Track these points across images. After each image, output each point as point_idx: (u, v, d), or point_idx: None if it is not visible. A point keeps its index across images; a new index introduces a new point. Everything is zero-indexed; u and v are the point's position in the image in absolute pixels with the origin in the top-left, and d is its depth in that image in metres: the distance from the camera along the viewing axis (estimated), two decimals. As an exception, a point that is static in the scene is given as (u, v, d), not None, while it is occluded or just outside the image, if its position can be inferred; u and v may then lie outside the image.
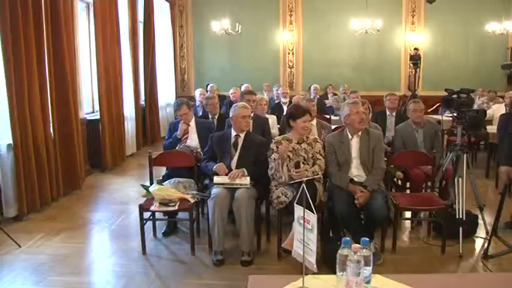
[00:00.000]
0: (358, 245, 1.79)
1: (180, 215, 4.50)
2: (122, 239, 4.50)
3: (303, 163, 3.97)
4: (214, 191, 3.89)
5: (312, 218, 1.83)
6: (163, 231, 4.52)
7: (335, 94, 10.67)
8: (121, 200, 5.80)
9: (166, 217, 4.52)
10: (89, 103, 7.55)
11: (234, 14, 10.84)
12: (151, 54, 9.63)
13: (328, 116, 7.66)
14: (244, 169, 4.00)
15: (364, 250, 1.81)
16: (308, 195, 1.79)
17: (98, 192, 6.20)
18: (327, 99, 10.33)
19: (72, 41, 6.10)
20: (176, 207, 3.97)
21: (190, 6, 12.17)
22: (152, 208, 3.99)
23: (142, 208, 4.01)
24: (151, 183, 4.35)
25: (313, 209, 1.82)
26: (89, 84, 7.53)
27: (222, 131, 4.64)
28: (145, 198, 4.19)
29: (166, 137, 5.15)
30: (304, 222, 1.86)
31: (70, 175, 5.95)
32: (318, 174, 3.95)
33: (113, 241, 4.48)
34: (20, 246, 4.26)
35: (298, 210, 1.92)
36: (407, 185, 4.96)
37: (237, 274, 3.65)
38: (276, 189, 3.94)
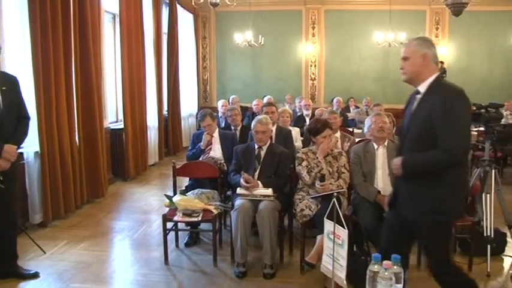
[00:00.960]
0: (389, 262, 1.76)
1: (203, 225, 4.51)
2: (144, 248, 4.51)
3: (328, 177, 3.96)
4: (238, 202, 3.88)
5: (343, 233, 1.81)
6: (185, 242, 4.52)
7: (357, 107, 10.62)
8: (143, 209, 5.83)
9: (189, 227, 4.52)
10: (113, 112, 7.62)
11: (257, 26, 10.87)
12: (174, 65, 9.71)
13: (351, 129, 7.61)
14: (258, 181, 4.00)
15: (395, 267, 1.78)
16: (339, 210, 1.77)
17: (121, 201, 6.24)
18: (349, 112, 10.28)
19: (98, 51, 6.19)
20: (199, 218, 3.97)
21: (213, 18, 12.26)
22: (175, 218, 4.00)
23: (166, 218, 4.02)
24: (175, 194, 4.37)
25: (344, 224, 1.80)
26: (113, 94, 7.61)
27: (246, 143, 4.65)
28: (168, 208, 4.19)
29: (190, 148, 5.18)
30: (334, 237, 1.83)
31: (94, 183, 6.01)
32: (342, 188, 3.93)
33: (135, 250, 4.49)
34: (44, 253, 4.31)
35: (329, 225, 1.90)
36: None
37: (259, 287, 3.63)
38: (300, 202, 3.92)
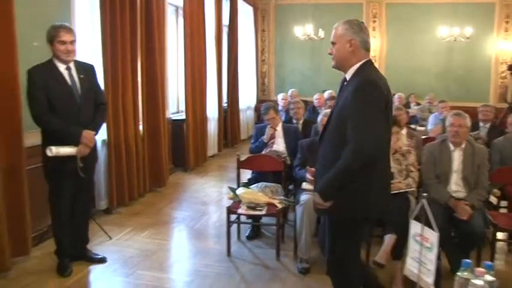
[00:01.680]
0: (482, 269, 1.66)
1: (264, 219, 4.49)
2: (205, 239, 4.55)
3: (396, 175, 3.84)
4: (304, 197, 3.83)
5: (432, 235, 1.72)
6: (247, 235, 4.51)
7: (418, 103, 10.27)
8: (203, 200, 5.88)
9: (251, 220, 4.51)
10: (174, 103, 7.73)
11: (316, 19, 10.72)
12: (234, 57, 9.74)
13: (413, 127, 7.37)
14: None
15: (487, 275, 1.67)
16: (429, 212, 1.68)
17: (181, 191, 6.32)
18: (409, 108, 9.96)
19: (162, 44, 6.30)
20: (264, 212, 3.95)
21: (272, 11, 12.19)
22: (240, 211, 4.00)
23: (230, 210, 4.03)
24: (238, 186, 4.36)
25: (435, 226, 1.71)
26: (175, 85, 7.71)
27: (310, 137, 4.58)
28: (231, 201, 4.19)
29: (253, 141, 5.17)
30: (422, 239, 1.75)
31: (156, 173, 6.12)
32: (411, 188, 3.80)
33: (196, 240, 4.52)
34: (110, 238, 4.43)
35: (416, 227, 1.81)
36: (504, 203, 4.65)
37: (323, 284, 3.55)
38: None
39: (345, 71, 2.56)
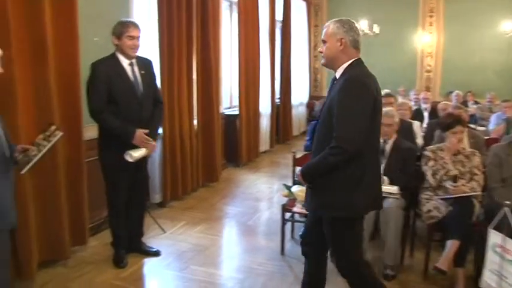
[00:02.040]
0: None
1: (319, 218, 4.39)
2: (258, 236, 4.51)
3: (459, 177, 3.66)
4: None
5: (514, 247, 1.59)
6: (301, 233, 4.42)
7: (476, 102, 9.84)
8: (255, 196, 5.84)
9: (305, 219, 4.42)
10: (227, 98, 7.73)
11: (371, 14, 10.47)
12: (287, 53, 9.65)
13: (473, 126, 7.04)
14: (385, 177, 3.78)
15: None
16: None
17: (233, 186, 6.31)
18: (467, 107, 9.55)
19: (217, 39, 6.30)
20: (319, 211, 3.85)
21: (325, 6, 12.00)
22: (295, 209, 3.93)
23: (285, 208, 3.96)
24: (293, 184, 4.29)
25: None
26: (228, 80, 7.71)
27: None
28: (286, 198, 4.13)
29: (307, 138, 5.09)
30: (503, 251, 1.62)
31: (209, 167, 6.14)
32: (476, 192, 3.60)
33: (249, 237, 4.49)
34: (164, 232, 4.46)
35: (495, 237, 1.68)
36: None
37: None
38: (427, 202, 3.67)
39: (335, 70, 2.57)
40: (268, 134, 8.67)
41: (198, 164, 5.84)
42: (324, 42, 2.56)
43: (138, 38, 3.55)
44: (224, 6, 7.41)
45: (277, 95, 9.41)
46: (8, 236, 2.72)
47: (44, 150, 2.70)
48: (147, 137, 3.55)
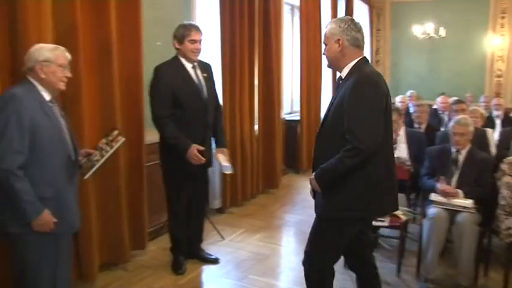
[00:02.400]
0: None
1: (384, 230, 4.17)
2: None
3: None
4: (432, 211, 3.47)
5: None
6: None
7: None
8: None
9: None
10: (288, 103, 7.60)
11: (437, 16, 10.04)
12: (349, 58, 9.40)
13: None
14: (458, 190, 3.52)
15: None
16: None
17: (294, 193, 6.17)
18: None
19: (279, 44, 6.20)
20: (386, 223, 3.65)
21: (388, 9, 11.61)
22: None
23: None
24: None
25: None
26: (289, 85, 7.59)
27: (438, 145, 4.20)
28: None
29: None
30: None
31: (269, 174, 6.04)
32: None
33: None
34: (223, 239, 4.39)
35: None
36: None
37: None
38: (506, 218, 3.37)
39: (340, 71, 2.51)
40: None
41: (258, 170, 5.75)
42: (325, 44, 2.51)
43: (200, 41, 3.49)
44: (286, 10, 7.31)
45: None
46: (71, 239, 2.74)
47: (107, 156, 2.69)
48: (199, 156, 3.41)
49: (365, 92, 2.31)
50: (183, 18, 4.58)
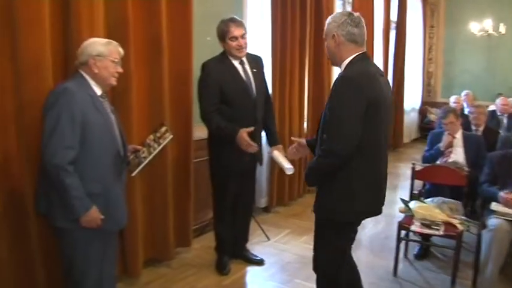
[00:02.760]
0: None
1: (435, 239, 3.96)
2: (368, 252, 4.18)
3: None
4: (494, 222, 3.25)
5: None
6: (416, 253, 4.03)
7: None
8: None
9: (420, 238, 4.02)
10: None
11: (496, 12, 9.54)
12: (401, 56, 9.08)
13: None
14: None
15: None
16: None
17: (341, 194, 5.97)
18: None
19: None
20: (441, 232, 3.44)
21: (443, 5, 11.10)
22: (413, 228, 3.54)
23: (402, 226, 3.60)
24: (411, 198, 3.91)
25: None
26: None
27: (503, 150, 3.95)
28: (403, 214, 3.76)
29: (426, 148, 4.64)
30: None
31: (317, 173, 5.88)
32: None
33: (358, 253, 4.09)
34: (268, 239, 4.30)
35: None
36: None
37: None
38: None
39: (340, 67, 2.44)
40: (379, 140, 8.20)
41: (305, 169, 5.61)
42: (324, 40, 2.46)
43: (242, 36, 3.31)
44: (337, 5, 7.10)
45: (389, 99, 8.90)
46: (117, 235, 2.71)
47: (154, 153, 2.64)
48: (249, 140, 3.28)
49: (342, 93, 2.26)
50: (233, 12, 4.48)
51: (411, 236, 3.93)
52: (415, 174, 4.01)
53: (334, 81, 2.33)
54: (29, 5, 2.50)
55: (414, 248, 4.10)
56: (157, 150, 2.66)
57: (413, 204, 3.67)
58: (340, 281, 2.60)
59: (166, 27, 3.37)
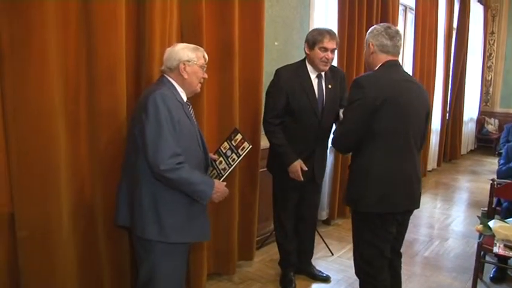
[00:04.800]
0: None
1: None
2: (440, 271, 3.91)
3: None
4: None
5: None
6: (492, 276, 3.77)
7: None
8: (428, 222, 5.23)
9: (497, 260, 3.75)
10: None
11: None
12: (461, 64, 8.71)
13: None
14: None
15: None
16: None
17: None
18: None
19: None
20: (522, 255, 3.18)
21: (505, 10, 10.59)
22: (496, 250, 3.26)
23: (482, 247, 3.35)
24: (489, 216, 3.65)
25: None
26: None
27: None
28: (479, 233, 3.49)
29: (501, 161, 4.38)
30: None
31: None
32: None
33: (428, 271, 3.90)
34: (332, 254, 4.12)
35: None
36: None
37: None
38: None
39: None
40: (437, 151, 7.91)
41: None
42: (364, 48, 2.70)
43: (332, 50, 3.14)
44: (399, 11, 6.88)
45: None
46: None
47: (234, 165, 2.51)
48: (299, 173, 3.20)
49: (351, 93, 2.49)
50: (300, 17, 4.40)
51: (489, 259, 3.68)
52: (494, 191, 3.73)
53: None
54: (105, 9, 2.43)
55: (489, 270, 3.83)
56: (237, 162, 2.52)
57: (493, 224, 3.41)
58: (379, 283, 2.62)
59: (238, 32, 3.26)
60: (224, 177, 2.50)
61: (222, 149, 2.64)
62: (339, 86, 3.34)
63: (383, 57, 2.53)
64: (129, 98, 2.60)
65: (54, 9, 2.24)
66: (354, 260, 2.74)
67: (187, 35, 2.93)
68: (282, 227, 3.51)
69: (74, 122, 2.46)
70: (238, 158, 2.50)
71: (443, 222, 5.20)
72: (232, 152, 2.54)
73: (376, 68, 2.55)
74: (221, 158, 2.57)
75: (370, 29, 2.61)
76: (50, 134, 2.27)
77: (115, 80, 2.51)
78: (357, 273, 2.73)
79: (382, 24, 2.62)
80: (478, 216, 3.61)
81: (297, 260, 3.61)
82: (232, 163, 2.50)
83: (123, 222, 2.36)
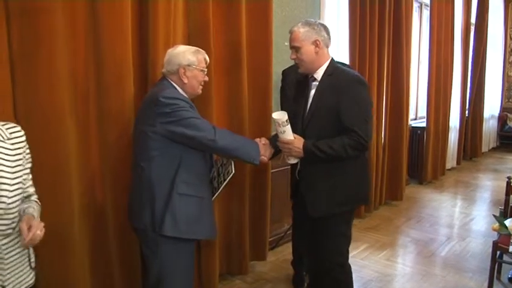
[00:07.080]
0: None
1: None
2: (456, 271, 3.85)
3: None
4: None
5: None
6: (510, 276, 3.70)
7: None
8: (445, 220, 5.17)
9: (514, 259, 3.68)
10: (412, 109, 7.07)
11: None
12: (480, 60, 8.55)
13: None
14: None
15: None
16: None
17: (419, 207, 5.65)
18: None
19: (409, 44, 5.73)
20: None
21: (530, 2, 10.36)
22: (511, 249, 3.23)
23: (497, 246, 3.30)
24: (506, 215, 3.59)
25: None
26: (415, 89, 7.06)
27: None
28: (496, 232, 3.44)
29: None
30: None
31: (393, 184, 5.61)
32: None
33: (444, 271, 3.85)
34: (347, 254, 4.09)
35: None
36: None
37: None
38: None
39: (313, 72, 2.54)
40: (456, 149, 7.80)
41: (382, 181, 5.38)
42: (298, 47, 2.47)
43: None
44: (414, 7, 6.80)
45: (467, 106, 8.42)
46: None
47: (221, 188, 2.54)
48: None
49: (362, 91, 2.42)
50: (311, 15, 4.37)
51: (507, 258, 3.61)
52: (510, 189, 3.66)
53: (347, 82, 2.43)
54: (111, 17, 2.47)
55: (507, 270, 3.76)
56: (222, 186, 2.54)
57: (509, 222, 3.35)
58: (348, 269, 2.72)
59: (246, 33, 3.28)
60: (217, 194, 2.54)
61: (217, 160, 2.63)
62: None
63: (327, 53, 2.52)
64: (136, 100, 2.62)
65: (63, 17, 2.30)
66: (323, 256, 2.64)
67: (194, 37, 2.95)
68: (298, 229, 3.50)
69: (84, 124, 2.51)
70: (224, 181, 2.50)
71: (462, 221, 5.12)
72: (222, 171, 2.55)
73: (325, 66, 2.49)
74: (214, 169, 2.59)
75: (308, 26, 2.46)
76: (60, 136, 2.33)
77: (122, 83, 2.56)
78: (328, 269, 2.62)
79: (312, 19, 2.53)
80: (494, 215, 3.54)
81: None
82: (221, 182, 2.52)
83: (135, 222, 2.37)
